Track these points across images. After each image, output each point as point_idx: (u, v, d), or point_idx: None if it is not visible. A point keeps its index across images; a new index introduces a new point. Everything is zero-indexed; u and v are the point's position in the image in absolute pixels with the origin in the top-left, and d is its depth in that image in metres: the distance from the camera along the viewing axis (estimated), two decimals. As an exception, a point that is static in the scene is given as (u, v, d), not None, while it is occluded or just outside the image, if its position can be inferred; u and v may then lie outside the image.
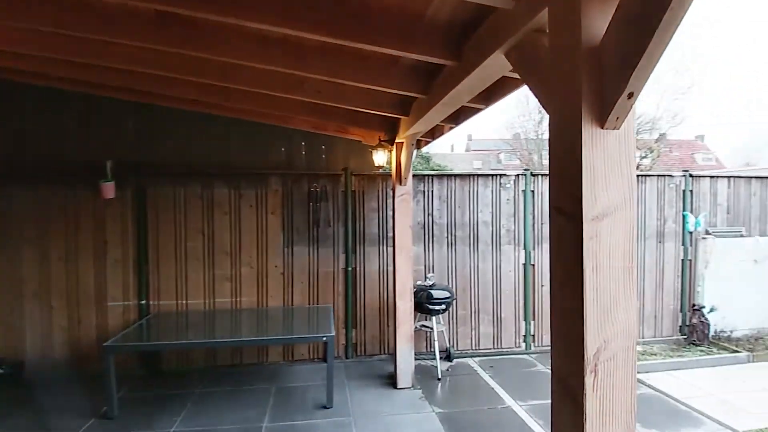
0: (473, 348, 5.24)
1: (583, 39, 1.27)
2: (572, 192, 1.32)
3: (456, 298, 4.98)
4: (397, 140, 3.95)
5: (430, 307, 4.51)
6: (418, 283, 4.72)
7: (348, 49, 2.63)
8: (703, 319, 5.41)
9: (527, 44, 1.70)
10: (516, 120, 23.63)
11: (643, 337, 5.60)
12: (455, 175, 5.19)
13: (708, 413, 3.70)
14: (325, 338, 3.79)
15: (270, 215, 4.90)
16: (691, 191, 5.66)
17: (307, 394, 4.14)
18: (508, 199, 5.26)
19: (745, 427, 3.46)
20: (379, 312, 5.07)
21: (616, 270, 1.32)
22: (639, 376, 4.59)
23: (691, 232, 5.67)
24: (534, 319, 5.35)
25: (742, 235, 5.80)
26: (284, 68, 2.76)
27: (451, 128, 3.75)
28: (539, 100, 1.61)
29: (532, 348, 5.35)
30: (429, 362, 4.92)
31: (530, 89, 1.68)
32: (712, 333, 5.46)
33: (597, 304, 1.30)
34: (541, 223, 5.33)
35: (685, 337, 5.60)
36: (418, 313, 4.64)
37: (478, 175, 5.22)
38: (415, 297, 4.40)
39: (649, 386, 4.33)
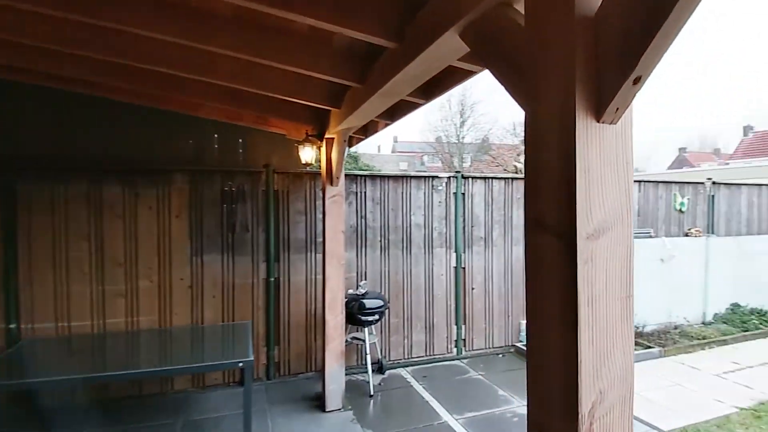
0: (406, 357, 5.00)
1: (576, 9, 0.99)
2: (562, 203, 1.03)
3: (389, 306, 4.69)
4: (327, 135, 3.54)
5: (363, 318, 4.16)
6: (350, 292, 4.35)
7: (269, 21, 2.18)
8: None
9: (491, 20, 1.40)
10: (439, 123, 24.27)
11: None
12: (389, 177, 4.90)
13: (636, 415, 3.79)
14: (241, 364, 3.25)
15: (174, 219, 4.20)
16: (607, 195, 5.96)
17: (222, 427, 3.57)
18: (440, 202, 5.09)
19: (670, 426, 3.59)
20: (305, 326, 4.61)
21: (613, 300, 1.07)
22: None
23: (606, 234, 5.97)
24: (465, 323, 5.25)
25: (651, 236, 6.24)
26: (187, 40, 2.23)
27: (387, 125, 3.44)
28: (508, 90, 1.32)
29: (463, 353, 5.25)
30: (360, 377, 4.58)
31: (495, 77, 1.39)
32: (625, 329, 5.79)
33: (593, 346, 1.03)
34: (471, 226, 5.25)
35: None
36: (349, 325, 4.28)
37: (412, 177, 4.99)
38: (346, 308, 4.02)
39: (577, 387, 4.39)
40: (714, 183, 6.76)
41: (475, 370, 4.86)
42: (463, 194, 5.17)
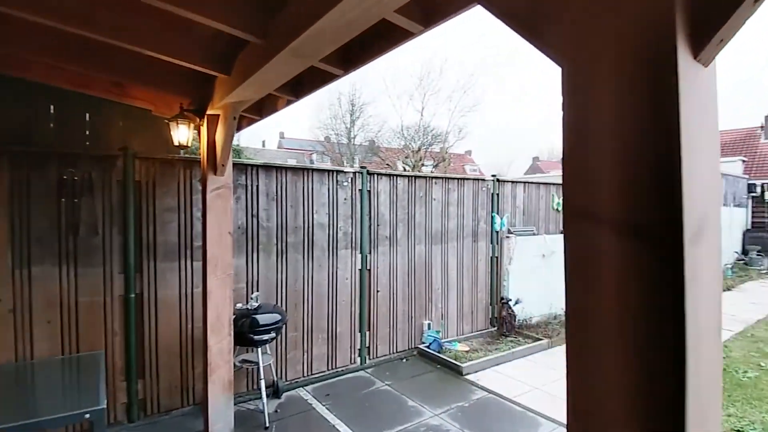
0: (306, 374, 4.41)
1: None
2: (654, 190, 0.65)
3: (287, 320, 4.05)
4: (210, 111, 2.80)
5: (256, 337, 3.47)
6: (239, 307, 3.61)
7: None
8: (510, 311, 5.91)
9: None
10: (329, 121, 23.74)
11: (463, 333, 5.79)
12: (287, 168, 4.25)
13: (541, 411, 3.82)
14: (88, 415, 2.35)
15: (-18, 217, 2.99)
16: (497, 194, 6.15)
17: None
18: (345, 199, 4.62)
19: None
20: (180, 352, 3.71)
21: (711, 325, 0.72)
22: (471, 377, 4.59)
23: (497, 232, 6.16)
24: (369, 329, 4.87)
25: (534, 234, 6.64)
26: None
27: (290, 102, 2.83)
28: (527, 36, 0.89)
29: (367, 362, 4.86)
30: (253, 405, 3.86)
31: (502, 18, 0.96)
32: (517, 323, 6.04)
33: (698, 389, 0.66)
34: (377, 225, 4.89)
35: (496, 329, 6.04)
36: (238, 347, 3.55)
37: (314, 170, 4.41)
38: (234, 326, 3.29)
39: (483, 388, 4.32)
40: (583, 185, 7.53)
41: (381, 380, 4.50)
42: (369, 191, 4.78)
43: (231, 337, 3.13)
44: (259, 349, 3.60)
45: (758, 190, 12.82)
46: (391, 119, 36.31)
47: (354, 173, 4.68)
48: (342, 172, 4.62)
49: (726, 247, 11.94)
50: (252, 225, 4.03)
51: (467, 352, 5.15)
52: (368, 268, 4.81)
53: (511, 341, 5.66)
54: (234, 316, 3.30)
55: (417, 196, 5.22)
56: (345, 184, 4.61)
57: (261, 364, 3.59)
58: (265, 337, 3.53)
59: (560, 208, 7.14)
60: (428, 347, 5.18)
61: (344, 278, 4.64)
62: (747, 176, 13.66)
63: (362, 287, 4.77)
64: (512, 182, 6.41)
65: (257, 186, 4.06)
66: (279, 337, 4.08)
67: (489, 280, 6.11)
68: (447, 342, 5.30)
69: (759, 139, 33.40)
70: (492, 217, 6.09)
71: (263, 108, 3.15)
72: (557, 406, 3.95)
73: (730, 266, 11.38)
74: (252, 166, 4.05)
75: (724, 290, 9.40)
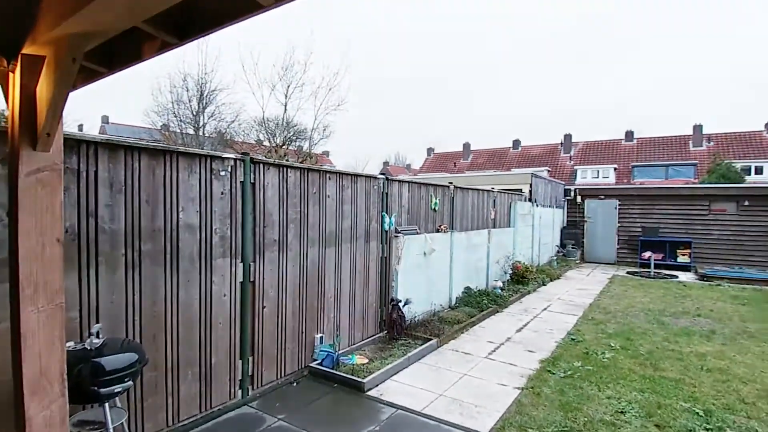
0: (171, 423, 3.36)
1: None
2: None
3: (146, 359, 2.96)
4: (27, 50, 1.72)
5: (103, 390, 2.39)
6: (71, 346, 2.46)
7: None
8: (400, 313, 5.69)
9: None
10: (170, 106, 20.32)
11: (354, 342, 5.35)
12: (141, 149, 3.12)
13: (456, 422, 3.60)
14: None
15: None
16: (386, 193, 5.89)
17: None
18: (223, 193, 3.69)
19: (486, 427, 3.53)
20: None
21: None
22: (373, 392, 4.16)
23: (386, 231, 5.91)
24: (253, 355, 4.03)
25: (417, 233, 6.58)
26: None
27: (167, 48, 1.92)
28: None
29: (251, 393, 4.02)
30: (91, 485, 2.70)
31: None
32: (406, 324, 5.86)
33: None
34: (264, 226, 4.08)
35: (386, 332, 5.76)
36: (72, 404, 2.40)
37: (180, 154, 3.36)
38: (68, 377, 2.18)
39: (390, 404, 3.93)
40: (456, 187, 7.85)
41: (271, 414, 3.72)
42: (253, 184, 3.93)
43: (65, 398, 2.04)
44: (107, 404, 2.51)
45: (572, 194, 15.60)
46: (250, 108, 33.42)
47: (235, 161, 3.78)
48: (219, 158, 3.67)
49: (551, 242, 14.17)
50: (87, 228, 2.84)
51: (365, 364, 4.71)
52: (252, 279, 3.97)
53: (403, 345, 5.43)
54: (66, 363, 2.19)
55: (310, 192, 4.57)
56: (223, 174, 3.69)
57: (111, 425, 2.50)
58: (117, 388, 2.46)
59: (437, 208, 7.28)
60: (321, 364, 4.57)
61: (221, 295, 3.71)
62: (563, 182, 16.53)
63: (244, 304, 3.90)
64: (399, 181, 6.23)
65: (96, 172, 2.88)
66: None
67: (379, 281, 5.80)
68: (343, 355, 4.77)
69: (559, 153, 41.30)
70: (382, 216, 5.80)
71: (118, 53, 2.11)
72: (467, 412, 3.80)
73: (555, 258, 13.51)
74: (88, 143, 2.84)
75: (554, 279, 11.05)
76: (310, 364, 4.59)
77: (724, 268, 12.43)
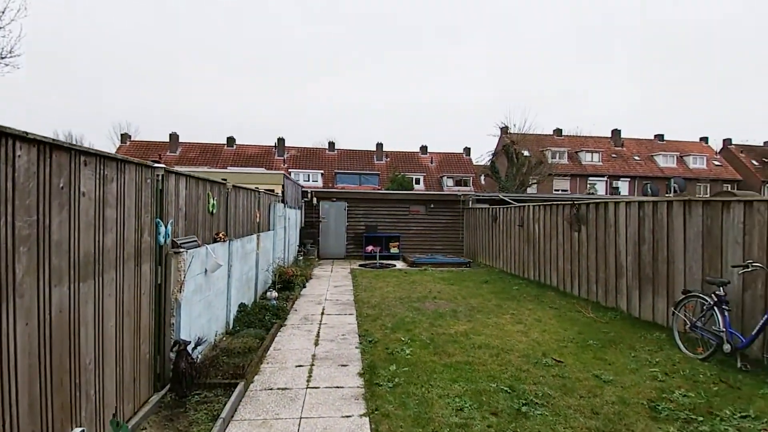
0: None
1: None
2: None
3: None
4: None
5: None
6: None
7: None
8: (190, 360, 4.13)
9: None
10: None
11: (125, 418, 3.48)
12: None
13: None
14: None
15: None
16: (162, 191, 4.18)
17: None
18: None
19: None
20: None
21: None
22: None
23: (161, 246, 4.19)
24: None
25: (197, 244, 5.01)
26: None
27: None
28: None
29: None
30: None
31: None
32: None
33: None
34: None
35: (168, 389, 4.05)
36: None
37: None
38: None
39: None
40: (234, 186, 6.50)
41: None
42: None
43: None
44: None
45: (309, 196, 16.13)
46: None
47: None
48: None
49: (295, 242, 14.19)
50: None
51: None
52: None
53: (203, 402, 3.96)
54: None
55: (55, 187, 2.57)
56: None
57: None
58: None
59: (215, 211, 5.84)
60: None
61: None
62: (301, 185, 16.87)
63: None
64: (177, 174, 4.53)
65: None
66: None
67: (154, 321, 4.02)
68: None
69: (274, 156, 42.50)
70: (157, 224, 4.04)
71: None
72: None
73: (300, 258, 13.59)
74: None
75: (309, 279, 11.05)
76: (62, 490, 2.61)
77: (421, 255, 15.75)
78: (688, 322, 5.63)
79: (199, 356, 4.62)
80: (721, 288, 5.12)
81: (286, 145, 43.39)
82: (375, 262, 14.59)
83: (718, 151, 47.23)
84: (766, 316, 4.55)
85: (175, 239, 4.45)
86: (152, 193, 3.95)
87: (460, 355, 5.46)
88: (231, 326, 6.16)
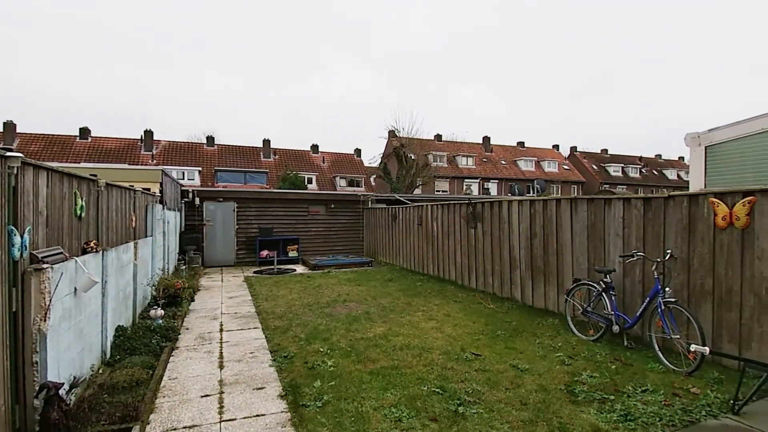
0: None
1: None
2: None
3: None
4: None
5: None
6: None
7: None
8: (64, 406, 3.18)
9: None
10: None
11: None
12: None
13: None
14: None
15: None
16: (15, 188, 3.14)
17: None
18: None
19: None
20: None
21: None
22: None
23: (16, 261, 3.15)
24: None
25: (64, 257, 3.92)
26: None
27: None
28: None
29: None
30: None
31: None
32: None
33: None
34: None
35: (28, 455, 3.05)
36: None
37: None
38: None
39: None
40: (107, 183, 5.29)
41: None
42: None
43: None
44: None
45: (191, 195, 14.39)
46: None
47: None
48: None
49: (176, 249, 12.53)
50: None
51: None
52: None
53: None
54: None
55: None
56: None
57: None
58: None
59: (84, 214, 4.70)
60: None
61: None
62: (180, 183, 14.97)
63: None
64: (36, 167, 3.45)
65: None
66: None
67: (10, 362, 2.99)
68: None
69: (140, 150, 37.66)
70: (10, 232, 3.01)
71: None
72: None
73: (184, 267, 12.03)
74: None
75: (197, 291, 9.84)
76: None
77: (322, 257, 15.28)
78: (580, 308, 6.27)
79: (73, 399, 3.61)
80: (608, 276, 5.79)
81: (155, 138, 38.66)
82: (272, 267, 13.67)
83: (566, 156, 55.56)
84: (647, 299, 5.25)
85: (35, 252, 3.40)
86: (3, 192, 2.92)
87: (385, 360, 5.26)
88: (109, 355, 5.04)
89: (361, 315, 7.48)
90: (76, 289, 4.04)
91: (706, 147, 8.19)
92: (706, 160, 8.21)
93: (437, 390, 4.36)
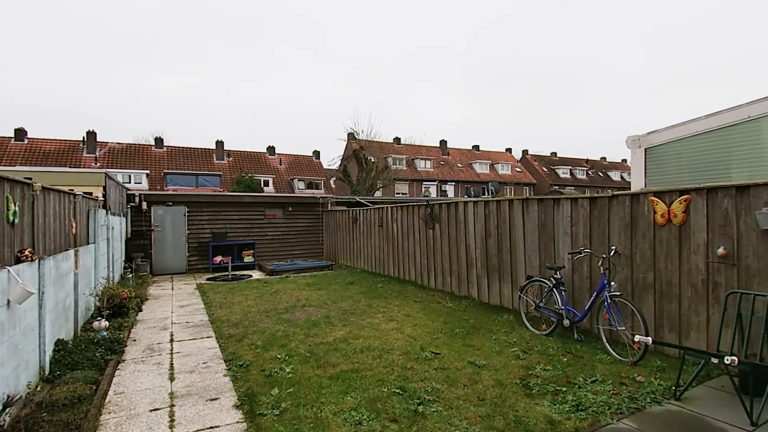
0: None
1: None
2: None
3: None
4: None
5: None
6: None
7: None
8: (4, 427, 2.90)
9: None
10: None
11: None
12: None
13: None
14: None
15: None
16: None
17: None
18: None
19: None
20: None
21: None
22: None
23: (-68, 274, 2.85)
24: None
25: (-8, 268, 3.58)
26: None
27: None
28: None
29: None
30: None
31: None
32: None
33: None
34: None
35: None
36: None
37: None
38: None
39: None
40: (44, 187, 4.90)
41: None
42: None
43: None
44: None
45: (137, 200, 13.64)
46: None
47: None
48: None
49: (121, 257, 11.84)
50: None
51: None
52: None
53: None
54: None
55: None
56: None
57: None
58: None
59: (17, 219, 4.34)
60: None
61: None
62: (126, 187, 14.16)
63: None
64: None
65: None
66: None
67: None
68: None
69: (82, 153, 35.44)
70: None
71: None
72: None
73: (131, 276, 11.38)
74: None
75: (144, 301, 9.34)
76: None
77: (280, 262, 14.95)
78: (533, 304, 6.52)
79: (8, 419, 3.30)
80: (558, 272, 6.06)
81: (100, 140, 36.45)
82: (227, 274, 13.22)
83: (519, 159, 57.74)
84: (595, 293, 5.54)
85: (-47, 263, 3.08)
86: None
87: (345, 364, 5.21)
88: (48, 371, 4.66)
89: (321, 319, 7.38)
90: (9, 301, 3.71)
91: (645, 149, 8.77)
92: (646, 162, 8.78)
93: (397, 391, 4.37)
